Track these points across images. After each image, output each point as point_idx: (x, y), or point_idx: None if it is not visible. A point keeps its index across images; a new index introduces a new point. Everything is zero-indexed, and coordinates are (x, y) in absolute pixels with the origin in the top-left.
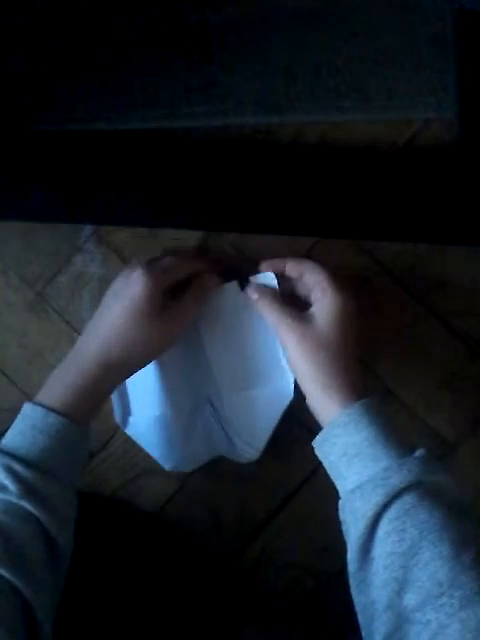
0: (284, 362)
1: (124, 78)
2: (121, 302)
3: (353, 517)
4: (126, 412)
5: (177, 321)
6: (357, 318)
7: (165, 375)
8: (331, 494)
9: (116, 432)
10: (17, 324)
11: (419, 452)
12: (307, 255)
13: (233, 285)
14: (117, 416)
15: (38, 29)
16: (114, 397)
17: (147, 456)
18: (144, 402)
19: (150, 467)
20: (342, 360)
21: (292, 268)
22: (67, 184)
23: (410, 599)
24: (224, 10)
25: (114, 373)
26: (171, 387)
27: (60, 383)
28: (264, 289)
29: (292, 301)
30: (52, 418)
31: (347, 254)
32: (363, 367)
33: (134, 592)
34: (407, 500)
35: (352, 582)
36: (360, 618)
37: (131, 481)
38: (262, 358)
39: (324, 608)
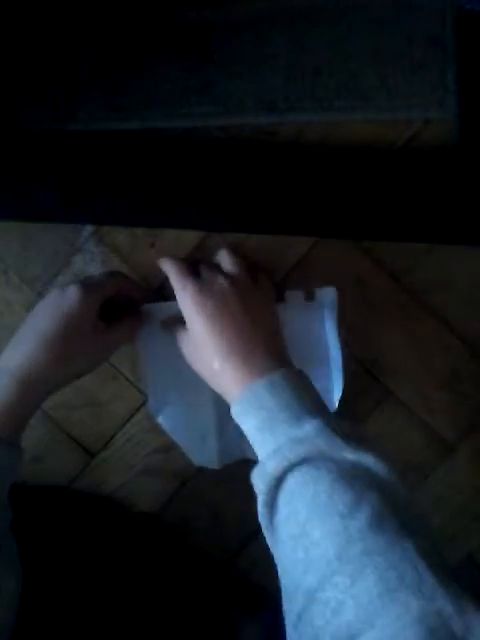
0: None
1: (124, 78)
2: (52, 314)
3: (258, 502)
4: (161, 401)
5: (107, 345)
6: (215, 304)
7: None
8: None
9: (116, 432)
10: (17, 324)
11: (307, 427)
12: (307, 255)
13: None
14: (151, 405)
15: (38, 29)
16: (150, 384)
17: (147, 456)
18: (180, 393)
19: (150, 467)
20: (219, 348)
21: (166, 272)
22: (67, 184)
23: (311, 580)
24: (224, 10)
25: (34, 389)
26: (198, 379)
27: None
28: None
29: None
30: None
31: (347, 254)
32: (269, 340)
33: (134, 592)
34: (291, 482)
35: (273, 555)
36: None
37: (131, 481)
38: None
39: None
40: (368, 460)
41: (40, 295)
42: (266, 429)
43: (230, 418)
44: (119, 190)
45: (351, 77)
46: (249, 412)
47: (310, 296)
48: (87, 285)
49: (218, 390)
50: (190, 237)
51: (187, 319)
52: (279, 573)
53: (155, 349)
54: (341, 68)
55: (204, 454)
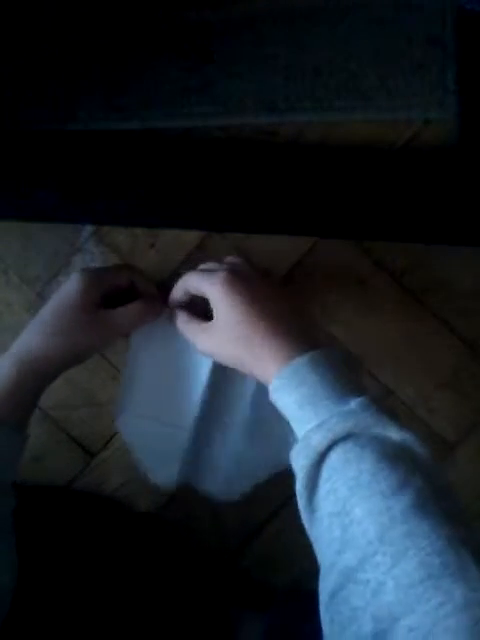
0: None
1: (124, 78)
2: (56, 297)
3: (295, 477)
4: (129, 409)
5: (105, 327)
6: (248, 287)
7: (184, 390)
8: None
9: (116, 432)
10: (17, 324)
11: (351, 404)
12: (307, 255)
13: None
14: (117, 408)
15: (38, 29)
16: (125, 390)
17: None
18: (157, 409)
19: None
20: (260, 328)
21: (188, 289)
22: (67, 184)
23: (350, 559)
24: (224, 10)
25: (31, 369)
26: (185, 404)
27: None
28: (178, 312)
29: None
30: None
31: (347, 254)
32: (303, 319)
33: (134, 591)
34: (334, 458)
35: (310, 537)
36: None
37: (131, 481)
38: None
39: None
40: (413, 442)
41: (40, 295)
42: (308, 405)
43: (200, 443)
44: (119, 190)
45: (351, 77)
46: (290, 387)
47: None
48: (88, 270)
49: (253, 373)
50: (190, 237)
51: (221, 303)
52: (316, 552)
53: (143, 360)
54: (341, 68)
55: (163, 473)
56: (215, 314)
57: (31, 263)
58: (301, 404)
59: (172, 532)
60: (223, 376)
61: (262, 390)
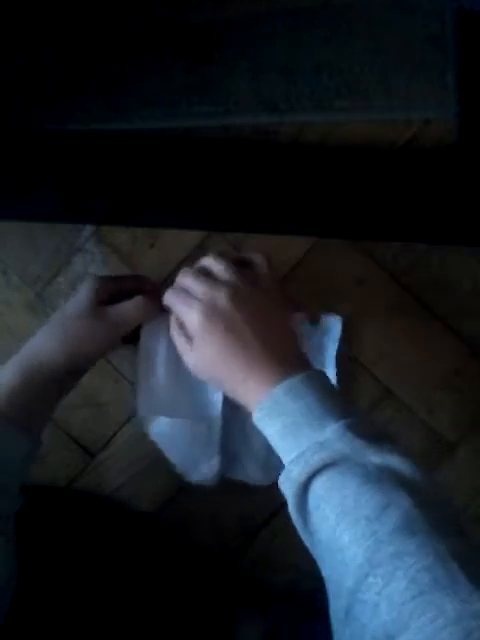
0: None
1: (124, 78)
2: (65, 304)
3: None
4: (150, 411)
5: (107, 326)
6: (225, 320)
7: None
8: None
9: (116, 432)
10: (17, 324)
11: (328, 431)
12: (307, 255)
13: None
14: (142, 414)
15: (39, 29)
16: (143, 395)
17: (147, 456)
18: (177, 402)
19: (150, 468)
20: (237, 361)
21: (167, 304)
22: (67, 184)
23: (349, 582)
24: (224, 10)
25: (37, 371)
26: (209, 395)
27: None
28: (171, 322)
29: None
30: None
31: (347, 254)
32: (285, 342)
33: (135, 591)
34: (317, 487)
35: (314, 556)
36: (328, 587)
37: (131, 481)
38: None
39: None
40: (394, 461)
41: (40, 295)
42: (288, 435)
43: (227, 436)
44: (119, 190)
45: (351, 77)
46: (270, 418)
47: (315, 319)
48: (95, 276)
49: (239, 401)
50: (190, 237)
51: (198, 338)
52: (322, 571)
53: (155, 361)
54: (341, 68)
55: (201, 471)
56: (195, 343)
57: (31, 263)
58: (282, 435)
59: (172, 532)
60: None
61: None
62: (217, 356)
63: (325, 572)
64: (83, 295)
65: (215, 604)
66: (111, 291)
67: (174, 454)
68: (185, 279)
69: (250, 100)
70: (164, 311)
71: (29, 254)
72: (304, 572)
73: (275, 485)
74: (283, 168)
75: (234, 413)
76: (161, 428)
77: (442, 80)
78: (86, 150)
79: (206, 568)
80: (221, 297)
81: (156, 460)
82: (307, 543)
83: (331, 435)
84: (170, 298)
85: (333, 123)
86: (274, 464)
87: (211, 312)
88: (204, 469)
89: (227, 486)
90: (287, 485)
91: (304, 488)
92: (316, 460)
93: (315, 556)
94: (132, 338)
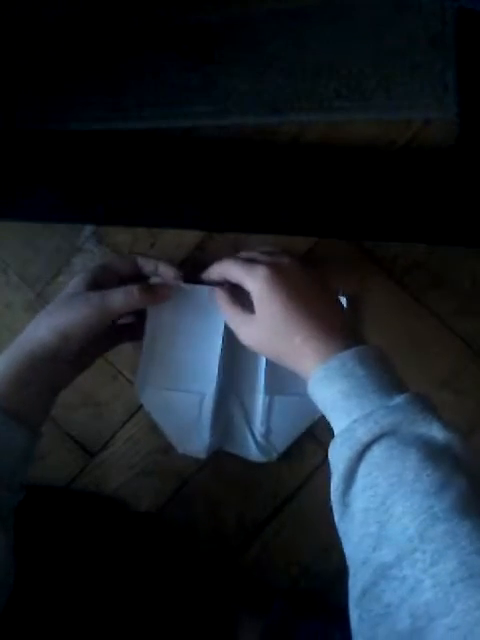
0: None
1: (124, 78)
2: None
3: (332, 468)
4: (151, 382)
5: (99, 310)
6: (290, 283)
7: (202, 356)
8: (330, 495)
9: (116, 432)
10: (17, 324)
11: (398, 399)
12: (307, 255)
13: None
14: (138, 383)
15: (39, 30)
16: (143, 364)
17: (147, 456)
18: (177, 380)
19: (150, 467)
20: (302, 324)
21: (227, 277)
22: (67, 184)
23: (386, 555)
24: (224, 10)
25: (36, 357)
26: (204, 369)
27: None
28: (222, 296)
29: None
30: None
31: (347, 254)
32: (342, 316)
33: (135, 591)
34: (376, 453)
35: (339, 531)
36: (350, 568)
37: (131, 481)
38: None
39: (323, 606)
40: (457, 442)
41: (40, 295)
42: (354, 396)
43: (220, 410)
44: (119, 190)
45: (351, 77)
46: (335, 378)
47: None
48: (88, 267)
49: (294, 368)
50: (190, 237)
51: (263, 300)
52: (345, 549)
53: (159, 332)
54: (341, 68)
55: (193, 442)
56: (257, 308)
57: (31, 263)
58: (347, 395)
59: (172, 532)
60: (235, 339)
61: None
62: (279, 316)
63: (349, 548)
64: (77, 279)
65: (215, 603)
66: (106, 277)
67: (166, 424)
68: (243, 254)
69: (250, 100)
70: (171, 297)
71: (29, 254)
72: (304, 571)
73: (275, 484)
74: (283, 168)
75: (234, 387)
76: (155, 398)
77: (442, 80)
78: (86, 150)
79: (206, 568)
80: (286, 261)
81: (156, 460)
82: (337, 515)
83: (402, 402)
84: (230, 266)
85: (333, 123)
86: (274, 443)
87: (278, 271)
88: (195, 441)
89: (227, 486)
90: (347, 445)
91: (364, 449)
92: (385, 422)
93: (341, 531)
94: (135, 336)
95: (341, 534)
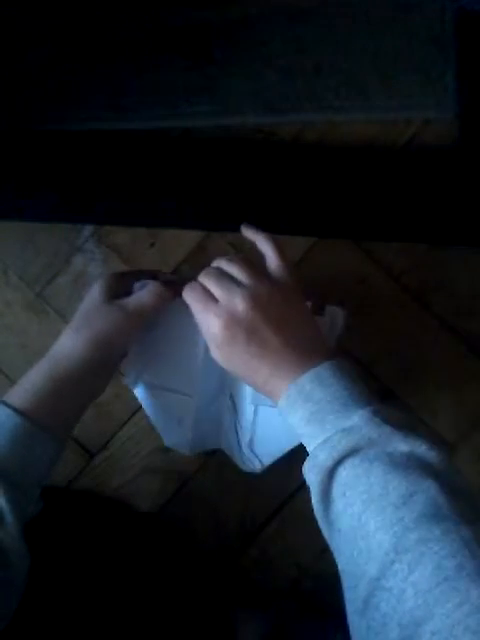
0: None
1: (124, 78)
2: (82, 303)
3: (312, 495)
4: (140, 377)
5: (127, 312)
6: (246, 331)
7: (185, 359)
8: None
9: (116, 432)
10: (17, 324)
11: (355, 417)
12: (307, 255)
13: None
14: (128, 375)
15: (39, 30)
16: (133, 358)
17: (147, 456)
18: (165, 376)
19: (150, 467)
20: (265, 360)
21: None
22: (67, 184)
23: (372, 568)
24: (224, 10)
25: (65, 369)
26: (188, 372)
27: (22, 382)
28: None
29: None
30: (2, 412)
31: (346, 254)
32: (313, 334)
33: (135, 591)
34: (343, 474)
35: (330, 546)
36: (343, 579)
37: (131, 481)
38: None
39: (323, 607)
40: (420, 448)
41: (40, 295)
42: (314, 421)
43: (211, 409)
44: (119, 190)
45: (351, 77)
46: (296, 405)
47: (319, 310)
48: (106, 274)
49: (265, 395)
50: (190, 237)
51: (218, 353)
52: (339, 563)
53: (149, 330)
54: (341, 68)
55: (177, 437)
56: (215, 353)
57: (31, 263)
58: (308, 420)
59: (172, 532)
60: None
61: None
62: (240, 358)
63: (342, 564)
64: (96, 290)
65: (215, 604)
66: (124, 284)
67: (154, 416)
68: (205, 279)
69: (250, 100)
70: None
71: (29, 254)
72: (305, 572)
73: (275, 485)
74: (283, 168)
75: (226, 390)
76: (145, 389)
77: (442, 80)
78: (86, 150)
79: (206, 568)
80: (239, 303)
81: (156, 460)
82: (325, 533)
83: (358, 421)
84: (190, 295)
85: (333, 123)
86: (259, 452)
87: (231, 320)
88: (178, 436)
89: (227, 486)
90: (313, 471)
91: (330, 474)
92: (343, 445)
93: (333, 547)
94: None
95: (332, 549)
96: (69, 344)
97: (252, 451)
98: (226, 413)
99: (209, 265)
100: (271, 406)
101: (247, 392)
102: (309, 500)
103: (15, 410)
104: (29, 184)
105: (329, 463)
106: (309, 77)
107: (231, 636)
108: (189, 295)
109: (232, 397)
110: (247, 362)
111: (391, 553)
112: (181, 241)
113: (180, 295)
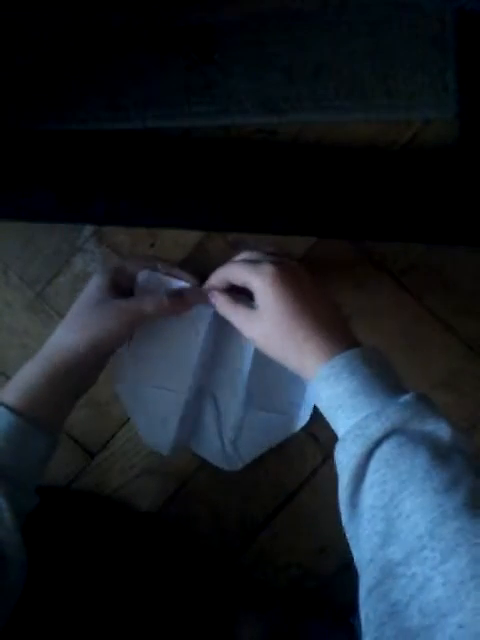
0: (308, 395)
1: (124, 78)
2: (80, 295)
3: (340, 468)
4: (127, 376)
5: (118, 313)
6: (295, 282)
7: (179, 356)
8: (330, 495)
9: (116, 432)
10: (17, 324)
11: (406, 397)
12: (307, 255)
13: None
14: (115, 374)
15: (39, 29)
16: (121, 356)
17: (147, 456)
18: (152, 375)
19: (150, 467)
20: (306, 322)
21: (230, 279)
22: (67, 184)
23: (394, 552)
24: (224, 10)
25: (57, 362)
26: (180, 369)
27: (17, 379)
28: (220, 295)
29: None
30: None
31: (346, 254)
32: (342, 319)
33: (136, 591)
34: (386, 450)
35: (347, 533)
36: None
37: (131, 481)
38: (291, 388)
39: (323, 607)
40: (464, 442)
41: (40, 295)
42: (362, 393)
43: (191, 411)
44: (119, 190)
45: (351, 77)
46: (341, 376)
47: None
48: (105, 266)
49: (296, 366)
50: (190, 237)
51: (268, 296)
52: (353, 549)
53: (141, 326)
54: (341, 68)
55: (159, 438)
56: (261, 306)
57: (31, 263)
58: (355, 392)
59: (172, 532)
60: (219, 344)
61: (263, 358)
62: (283, 312)
63: (356, 549)
64: (94, 285)
65: (215, 604)
66: (123, 279)
67: (136, 416)
68: (233, 264)
69: (250, 100)
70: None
71: (29, 254)
72: (304, 571)
73: (275, 485)
74: (283, 168)
75: (211, 390)
76: (128, 389)
77: (442, 80)
78: (86, 150)
79: (206, 568)
80: (289, 263)
81: (156, 460)
82: (345, 516)
83: (409, 399)
84: (234, 267)
85: (333, 123)
86: (241, 451)
87: (283, 269)
88: (161, 437)
89: (227, 486)
90: (358, 442)
91: (375, 447)
92: (398, 418)
93: (349, 533)
94: None
95: (349, 536)
96: (64, 341)
97: (236, 450)
98: (207, 413)
99: (209, 265)
100: (267, 411)
101: (240, 394)
102: (309, 500)
103: (9, 408)
104: (29, 184)
105: (379, 435)
106: (309, 77)
107: (231, 636)
108: (234, 267)
109: (214, 397)
110: (289, 317)
111: (425, 538)
112: (181, 241)
113: (179, 314)
